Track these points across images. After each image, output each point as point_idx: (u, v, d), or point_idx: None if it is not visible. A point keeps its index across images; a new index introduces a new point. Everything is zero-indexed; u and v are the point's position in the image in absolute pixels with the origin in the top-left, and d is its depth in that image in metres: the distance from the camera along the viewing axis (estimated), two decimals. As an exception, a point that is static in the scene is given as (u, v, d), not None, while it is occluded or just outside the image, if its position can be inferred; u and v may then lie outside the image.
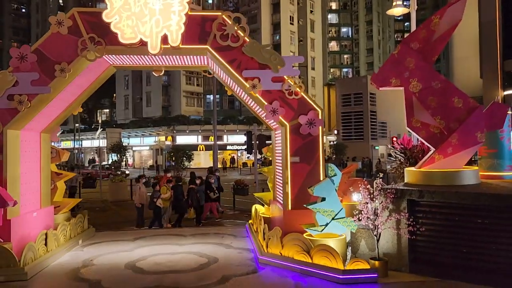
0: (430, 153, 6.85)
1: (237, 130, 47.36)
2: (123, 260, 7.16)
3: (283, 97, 7.05)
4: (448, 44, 38.58)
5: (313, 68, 61.85)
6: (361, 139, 41.40)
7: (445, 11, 6.70)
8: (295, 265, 6.24)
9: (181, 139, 46.85)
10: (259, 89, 6.98)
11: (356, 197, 7.01)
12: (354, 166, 10.05)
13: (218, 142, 18.54)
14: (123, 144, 29.04)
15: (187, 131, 47.34)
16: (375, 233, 6.01)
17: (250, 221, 9.62)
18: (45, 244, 7.21)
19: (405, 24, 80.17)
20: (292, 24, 59.16)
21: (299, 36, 60.45)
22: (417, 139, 8.24)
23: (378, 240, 6.04)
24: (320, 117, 7.11)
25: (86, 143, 53.87)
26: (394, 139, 19.22)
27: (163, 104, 55.81)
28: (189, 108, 54.54)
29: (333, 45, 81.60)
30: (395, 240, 6.17)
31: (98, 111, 68.15)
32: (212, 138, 45.70)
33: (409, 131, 7.27)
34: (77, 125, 41.82)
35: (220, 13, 7.15)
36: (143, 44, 6.85)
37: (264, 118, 7.58)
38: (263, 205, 9.46)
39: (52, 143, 8.66)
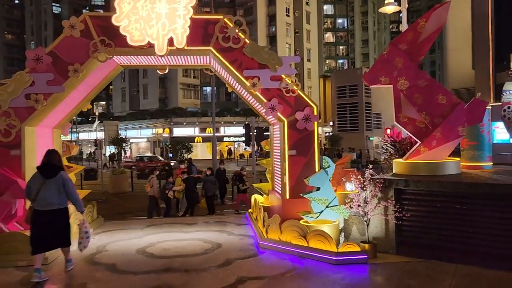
0: (416, 146, 7.44)
1: (234, 122, 47.87)
2: (133, 246, 7.72)
3: (281, 94, 7.59)
4: (442, 35, 39.02)
5: (309, 60, 62.16)
6: (356, 130, 42.02)
7: (431, 15, 7.22)
8: (292, 248, 6.82)
9: (178, 131, 47.32)
10: (259, 87, 7.52)
11: (348, 187, 7.64)
12: (347, 158, 10.64)
13: (216, 134, 19.06)
14: (122, 136, 29.45)
15: (184, 123, 47.78)
16: (365, 219, 6.60)
17: (249, 210, 10.22)
18: (61, 232, 7.76)
19: (400, 15, 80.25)
20: (288, 15, 59.26)
21: (295, 28, 60.61)
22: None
23: (368, 226, 6.63)
24: (315, 113, 7.66)
25: (83, 135, 54.17)
26: (388, 130, 19.82)
27: (160, 96, 56.08)
28: (186, 100, 54.86)
29: (329, 36, 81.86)
30: (383, 225, 6.77)
31: (95, 103, 68.28)
32: (209, 130, 46.29)
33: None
34: (73, 117, 42.03)
35: (222, 17, 7.64)
36: (150, 46, 7.35)
37: (264, 114, 8.11)
38: (262, 195, 10.06)
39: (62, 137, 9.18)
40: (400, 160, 7.60)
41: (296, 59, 8.83)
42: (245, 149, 44.74)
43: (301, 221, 7.11)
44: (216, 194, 12.92)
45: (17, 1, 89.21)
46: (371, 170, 6.80)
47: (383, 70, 7.38)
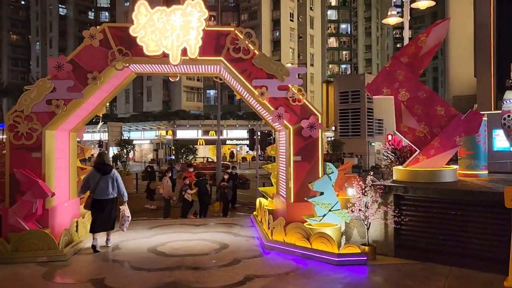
0: (415, 154, 7.83)
1: (237, 125, 48.29)
2: (145, 245, 8.10)
3: (288, 103, 8.00)
4: (445, 42, 39.34)
5: (312, 65, 62.61)
6: (358, 136, 42.32)
7: (431, 30, 7.64)
8: (296, 249, 7.17)
9: (182, 134, 47.77)
10: (267, 96, 7.93)
11: (350, 192, 8.04)
12: (349, 164, 11.03)
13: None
14: (125, 137, 29.85)
15: (188, 126, 48.21)
16: (365, 223, 6.97)
17: (254, 213, 10.61)
18: (76, 231, 8.18)
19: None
20: (292, 20, 59.80)
21: (299, 33, 61.14)
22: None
23: (368, 229, 6.99)
24: (319, 122, 8.06)
25: (86, 136, 54.57)
26: (389, 136, 20.20)
27: (164, 98, 56.55)
28: (189, 103, 55.31)
29: (332, 41, 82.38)
30: (383, 229, 7.15)
31: (99, 104, 68.60)
32: (212, 132, 46.72)
33: (399, 133, 8.24)
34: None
35: (233, 29, 8.07)
36: (165, 55, 7.77)
37: (270, 121, 8.51)
38: (266, 198, 10.45)
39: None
40: (400, 167, 7.99)
41: (303, 70, 9.25)
42: (247, 152, 45.11)
43: (304, 224, 7.49)
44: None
45: (23, 2, 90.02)
46: (371, 176, 7.18)
47: (385, 82, 7.78)
